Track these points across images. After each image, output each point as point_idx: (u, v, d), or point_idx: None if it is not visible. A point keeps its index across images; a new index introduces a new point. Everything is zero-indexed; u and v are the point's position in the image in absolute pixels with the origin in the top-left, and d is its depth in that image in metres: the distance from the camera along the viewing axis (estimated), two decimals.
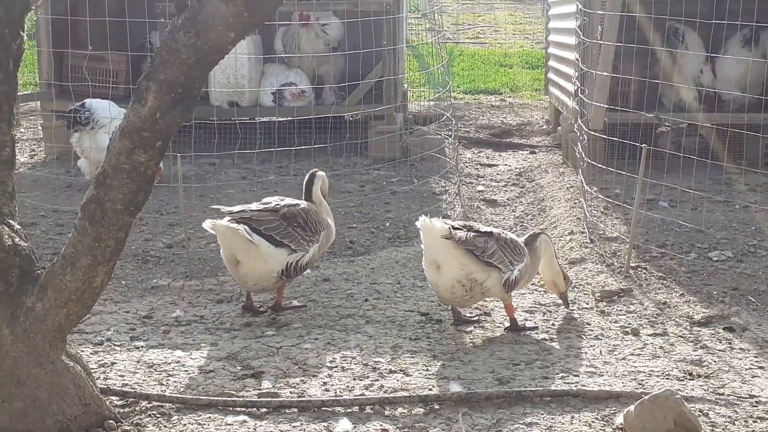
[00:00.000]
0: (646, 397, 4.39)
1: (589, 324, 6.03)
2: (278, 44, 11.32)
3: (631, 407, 4.42)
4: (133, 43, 10.99)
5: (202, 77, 4.16)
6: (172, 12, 10.51)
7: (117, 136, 4.17)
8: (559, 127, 11.60)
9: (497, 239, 5.69)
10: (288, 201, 6.22)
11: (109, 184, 4.19)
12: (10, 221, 4.43)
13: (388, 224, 8.36)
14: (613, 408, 4.74)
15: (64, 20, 10.54)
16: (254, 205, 6.10)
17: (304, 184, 6.52)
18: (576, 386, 4.99)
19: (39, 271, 4.40)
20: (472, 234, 5.61)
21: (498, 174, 10.78)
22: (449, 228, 5.53)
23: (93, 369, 5.03)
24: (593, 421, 4.62)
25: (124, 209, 4.23)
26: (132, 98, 4.14)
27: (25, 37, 4.56)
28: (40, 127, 11.33)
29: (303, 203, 6.28)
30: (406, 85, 12.26)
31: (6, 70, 4.49)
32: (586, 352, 5.54)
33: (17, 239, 4.37)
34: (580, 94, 8.69)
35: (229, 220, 5.85)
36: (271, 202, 6.17)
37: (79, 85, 10.42)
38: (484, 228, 5.75)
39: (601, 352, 5.56)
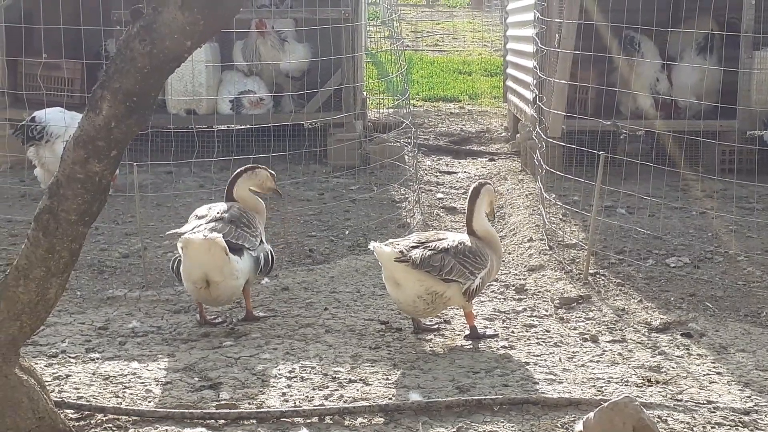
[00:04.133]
0: (605, 404, 4.39)
1: (548, 331, 6.04)
2: (238, 56, 11.25)
3: (591, 414, 4.43)
4: (89, 51, 10.85)
5: (158, 85, 4.11)
6: (128, 20, 10.37)
7: (71, 145, 4.10)
8: (518, 135, 11.65)
9: (455, 253, 5.65)
10: (218, 206, 6.12)
11: (63, 194, 4.12)
12: None
13: (347, 232, 8.33)
14: (573, 415, 4.75)
15: (18, 28, 10.39)
16: (201, 220, 5.94)
17: (227, 183, 6.36)
18: (536, 394, 4.99)
19: None
20: (429, 252, 5.58)
21: (457, 181, 10.79)
22: (400, 252, 5.50)
23: (47, 381, 4.96)
24: (553, 429, 4.62)
25: (79, 219, 4.16)
26: (86, 107, 4.07)
27: None
28: None
29: (233, 204, 6.17)
30: (365, 93, 12.25)
31: None
32: (545, 360, 5.55)
33: None
34: (538, 102, 8.72)
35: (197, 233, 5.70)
36: (207, 213, 6.04)
37: (33, 93, 10.31)
38: (441, 243, 5.68)
39: (560, 359, 5.57)
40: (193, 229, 5.81)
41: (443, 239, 5.72)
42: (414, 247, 5.59)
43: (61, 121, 9.05)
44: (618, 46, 10.59)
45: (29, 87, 10.69)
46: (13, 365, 4.32)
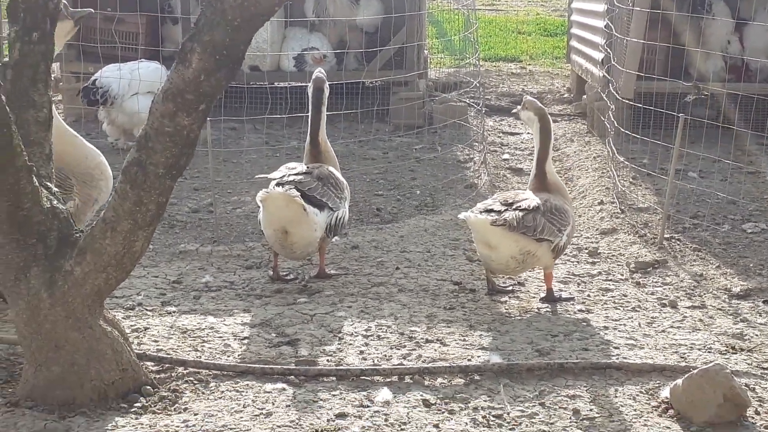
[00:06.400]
0: (695, 371, 4.30)
1: (625, 295, 5.95)
2: (308, 11, 11.17)
3: (679, 381, 4.35)
4: (150, 6, 10.82)
5: (248, 39, 4.05)
6: None
7: (159, 98, 4.07)
8: (584, 96, 11.45)
9: (544, 211, 5.60)
10: (304, 165, 6.11)
11: (152, 147, 4.09)
12: (48, 183, 4.35)
13: (418, 192, 8.26)
14: (657, 381, 4.67)
15: None
16: (291, 171, 5.95)
17: (312, 101, 6.25)
18: (618, 359, 4.91)
19: (77, 235, 4.32)
20: (521, 213, 5.51)
21: (522, 142, 10.66)
22: (495, 218, 5.44)
23: (127, 334, 4.97)
24: (637, 395, 4.55)
25: (166, 173, 4.14)
26: (176, 59, 4.03)
27: None
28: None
29: (324, 165, 6.14)
30: (426, 51, 12.11)
31: (42, 29, 4.39)
32: (624, 324, 5.46)
33: (55, 202, 4.29)
34: (612, 61, 8.54)
35: (279, 186, 5.68)
36: (296, 166, 6.06)
37: (97, 46, 10.31)
38: (528, 202, 5.62)
39: (639, 324, 5.48)
40: (281, 177, 5.80)
41: (526, 198, 5.64)
42: (502, 210, 5.51)
43: (118, 79, 9.07)
44: (688, 8, 10.33)
45: (93, 40, 10.70)
46: (98, 317, 4.33)
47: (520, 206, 5.56)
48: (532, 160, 9.69)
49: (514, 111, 6.49)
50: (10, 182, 3.98)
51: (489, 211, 5.51)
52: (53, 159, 4.46)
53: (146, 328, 5.26)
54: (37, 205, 4.15)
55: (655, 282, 6.21)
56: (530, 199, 5.65)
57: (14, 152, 3.95)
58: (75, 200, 5.24)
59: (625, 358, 4.95)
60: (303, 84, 11.14)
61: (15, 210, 4.07)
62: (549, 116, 6.07)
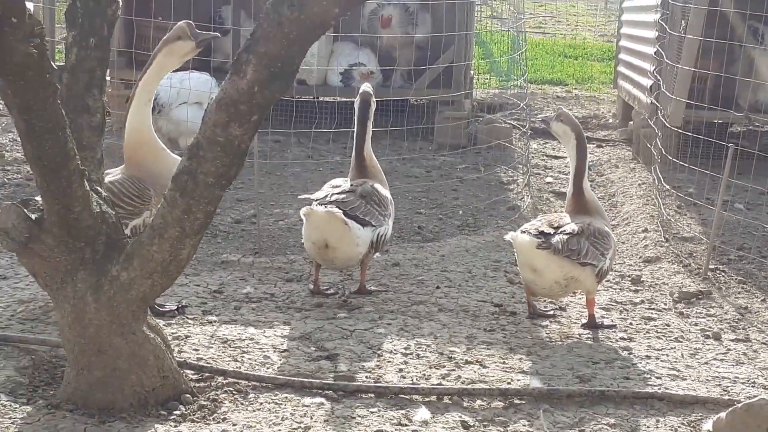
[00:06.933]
0: (739, 405, 4.23)
1: (668, 325, 5.88)
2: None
3: (722, 414, 4.28)
4: (200, 16, 10.91)
5: (303, 52, 4.06)
6: None
7: (213, 107, 4.09)
8: (630, 122, 11.38)
9: (587, 235, 5.56)
10: (354, 181, 6.12)
11: (203, 156, 4.11)
12: (98, 188, 4.38)
13: (460, 212, 8.24)
14: (699, 414, 4.60)
15: None
16: (335, 189, 5.99)
17: (358, 116, 6.25)
18: (660, 389, 4.85)
19: (125, 240, 4.35)
20: (565, 237, 5.48)
21: (566, 166, 10.52)
22: (542, 240, 5.42)
23: (169, 341, 4.99)
24: (679, 427, 4.48)
25: (216, 182, 4.16)
26: (230, 70, 4.05)
27: (121, 3, 4.52)
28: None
29: (368, 181, 6.15)
30: (472, 72, 12.11)
31: (100, 35, 4.44)
32: (667, 354, 5.39)
33: (104, 206, 4.32)
34: (661, 89, 8.48)
35: (321, 206, 5.75)
36: (341, 185, 6.08)
37: (147, 53, 10.39)
38: (571, 226, 5.59)
39: (682, 355, 5.41)
40: (324, 196, 5.83)
41: (569, 221, 5.61)
42: (549, 233, 5.48)
43: (168, 88, 9.14)
44: (741, 36, 10.24)
45: (142, 49, 10.80)
46: (141, 323, 4.35)
47: (564, 230, 5.52)
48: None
49: (544, 118, 6.46)
50: (62, 185, 4.01)
51: (536, 233, 5.48)
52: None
53: (187, 336, 5.28)
54: (87, 209, 4.18)
55: (699, 313, 6.13)
56: (573, 222, 5.61)
57: (68, 156, 3.99)
58: (151, 211, 5.28)
59: (667, 388, 4.88)
60: (349, 99, 11.22)
61: (65, 213, 4.11)
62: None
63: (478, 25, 14.13)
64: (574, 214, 5.78)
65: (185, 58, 5.70)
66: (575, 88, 15.60)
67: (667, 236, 7.56)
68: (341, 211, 5.74)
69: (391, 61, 11.16)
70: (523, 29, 10.13)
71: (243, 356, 5.06)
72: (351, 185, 6.04)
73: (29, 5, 5.14)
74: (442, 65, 10.78)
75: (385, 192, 6.19)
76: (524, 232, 5.53)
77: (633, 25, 12.23)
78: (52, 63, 3.81)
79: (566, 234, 5.50)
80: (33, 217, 4.12)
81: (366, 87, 6.42)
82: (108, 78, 10.76)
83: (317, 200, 5.84)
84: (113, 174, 5.48)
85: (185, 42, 5.59)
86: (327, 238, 5.81)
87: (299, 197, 6.25)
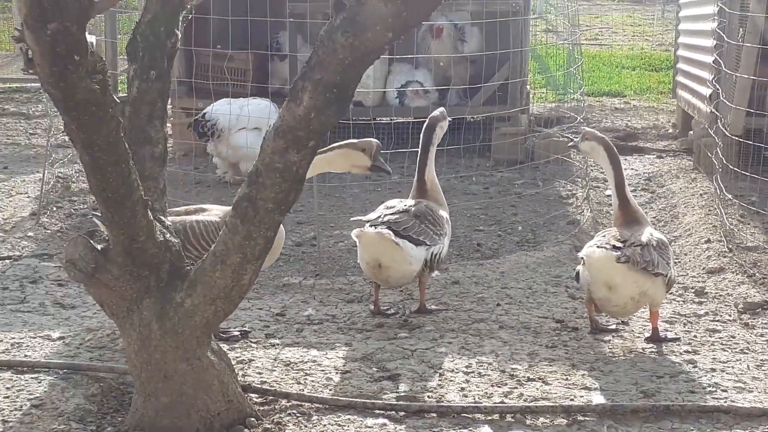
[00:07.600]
0: None
1: (733, 337, 5.81)
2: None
3: None
4: (258, 43, 11.08)
5: (358, 78, 4.12)
6: (300, 12, 10.45)
7: (271, 135, 4.17)
8: (690, 132, 11.26)
9: (655, 246, 5.53)
10: (408, 201, 6.17)
11: (262, 183, 4.19)
12: (161, 217, 4.49)
13: (519, 228, 8.23)
14: (766, 427, 4.54)
15: (196, 18, 10.68)
16: (388, 210, 6.04)
17: (422, 139, 6.29)
18: (726, 402, 4.80)
19: (188, 267, 4.44)
20: (638, 249, 5.44)
21: (626, 178, 10.49)
22: (620, 254, 5.39)
23: (233, 365, 5.07)
24: None
25: (275, 208, 4.23)
26: (287, 97, 4.13)
27: (180, 35, 4.63)
28: (168, 124, 11.53)
29: (422, 201, 6.18)
30: (528, 87, 12.11)
31: (160, 68, 4.56)
32: (732, 367, 5.33)
33: (168, 235, 4.42)
34: (721, 97, 8.40)
35: (372, 227, 5.83)
36: (395, 205, 6.12)
37: (207, 83, 10.59)
38: (638, 237, 5.56)
39: (748, 366, 5.34)
40: (377, 217, 5.90)
41: (630, 234, 5.59)
42: (621, 246, 5.44)
43: (227, 114, 9.30)
44: None
45: (201, 77, 11.00)
46: (206, 348, 4.43)
47: (633, 242, 5.49)
48: (636, 196, 9.69)
49: (571, 144, 6.45)
50: (126, 216, 4.12)
51: (611, 247, 5.44)
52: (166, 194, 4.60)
53: (251, 360, 5.36)
54: (151, 238, 4.28)
55: (765, 323, 6.05)
56: (637, 233, 5.58)
57: (131, 187, 4.09)
58: None
59: (733, 401, 4.83)
60: (406, 120, 11.28)
61: (130, 243, 4.21)
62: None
63: (534, 40, 14.13)
64: (625, 225, 5.74)
65: (353, 168, 5.92)
66: (633, 99, 15.48)
67: (730, 246, 7.47)
68: (391, 232, 5.80)
69: (446, 79, 11.21)
70: (578, 42, 10.10)
71: (306, 378, 5.12)
72: (405, 206, 6.09)
73: (92, 39, 5.27)
74: (497, 83, 10.79)
75: (441, 211, 6.22)
76: (599, 247, 5.48)
77: (690, 34, 12.12)
78: (114, 97, 3.92)
79: (638, 245, 5.46)
80: (99, 247, 4.23)
81: (438, 111, 6.46)
82: (169, 107, 11.09)
83: (369, 221, 5.90)
84: (211, 213, 5.62)
85: (364, 157, 5.74)
86: (379, 258, 5.89)
87: (351, 219, 6.32)
